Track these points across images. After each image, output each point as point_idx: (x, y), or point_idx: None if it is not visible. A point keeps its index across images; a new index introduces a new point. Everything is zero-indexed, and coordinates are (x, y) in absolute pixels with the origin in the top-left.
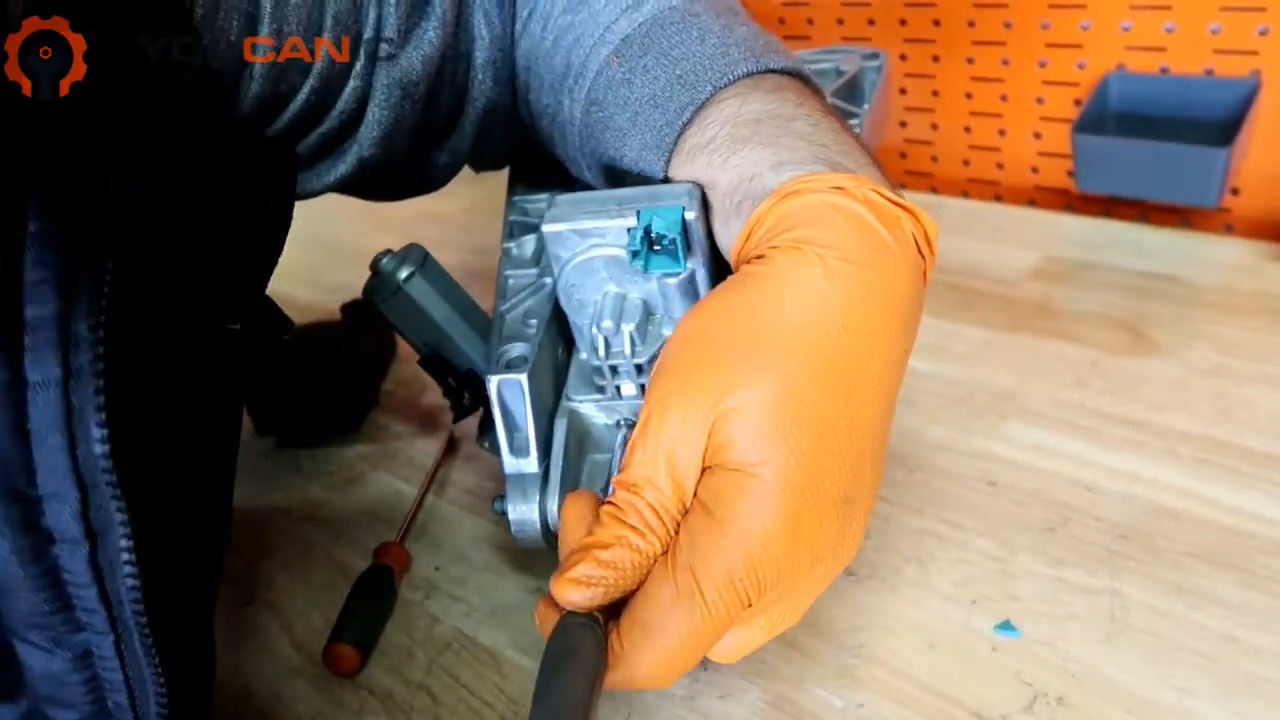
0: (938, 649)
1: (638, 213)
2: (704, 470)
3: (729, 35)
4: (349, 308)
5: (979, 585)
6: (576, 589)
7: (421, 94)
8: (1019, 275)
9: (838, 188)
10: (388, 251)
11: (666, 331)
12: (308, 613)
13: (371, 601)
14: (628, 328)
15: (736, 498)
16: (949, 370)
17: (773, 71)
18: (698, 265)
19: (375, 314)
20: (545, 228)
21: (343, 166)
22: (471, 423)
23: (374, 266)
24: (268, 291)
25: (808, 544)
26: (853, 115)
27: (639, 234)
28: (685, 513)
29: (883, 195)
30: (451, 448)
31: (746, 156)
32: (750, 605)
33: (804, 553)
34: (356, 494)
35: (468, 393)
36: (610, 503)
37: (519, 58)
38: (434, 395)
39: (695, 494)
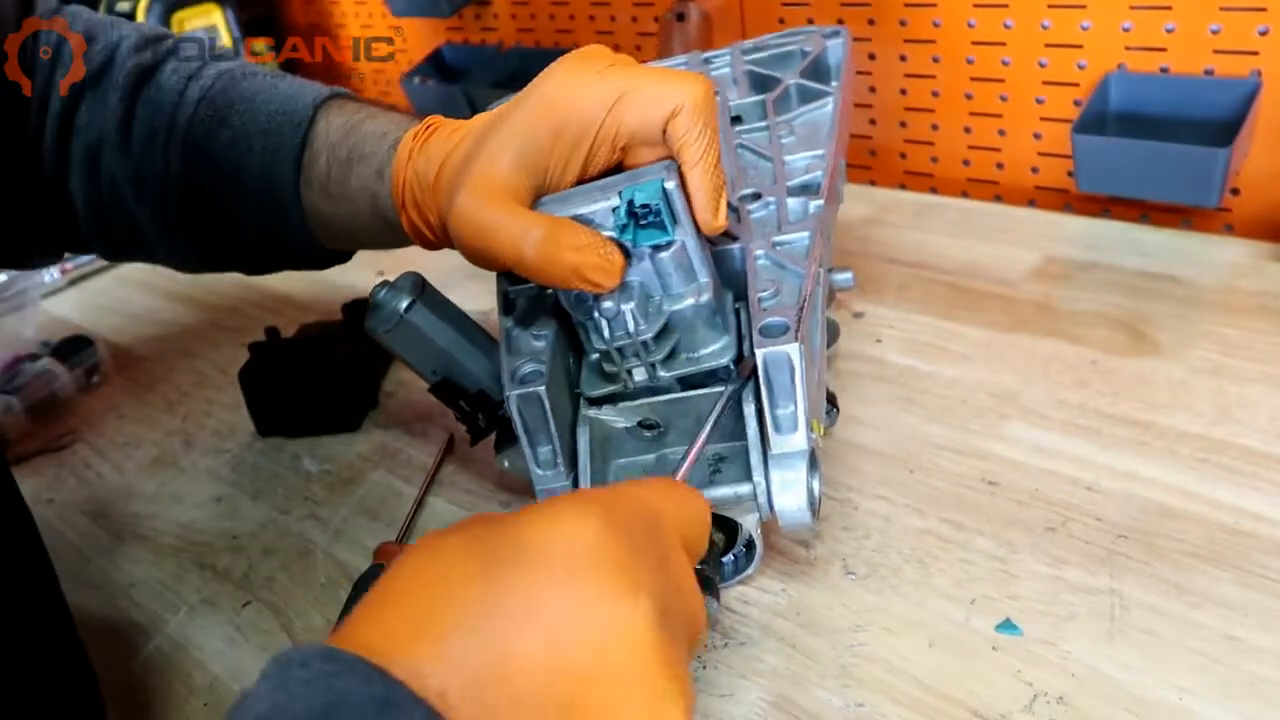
0: (938, 648)
1: (619, 192)
2: None
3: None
4: (349, 307)
5: (979, 585)
6: None
7: None
8: (1019, 275)
9: None
10: (385, 283)
11: (667, 308)
12: (308, 613)
13: None
14: (628, 307)
15: None
16: (949, 370)
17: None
18: (687, 236)
19: (379, 347)
20: None
21: None
22: None
23: (372, 299)
24: (267, 293)
25: None
26: (824, 93)
27: (623, 209)
28: None
29: None
30: (451, 448)
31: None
32: None
33: None
34: (356, 494)
35: (481, 414)
36: None
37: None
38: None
39: None
